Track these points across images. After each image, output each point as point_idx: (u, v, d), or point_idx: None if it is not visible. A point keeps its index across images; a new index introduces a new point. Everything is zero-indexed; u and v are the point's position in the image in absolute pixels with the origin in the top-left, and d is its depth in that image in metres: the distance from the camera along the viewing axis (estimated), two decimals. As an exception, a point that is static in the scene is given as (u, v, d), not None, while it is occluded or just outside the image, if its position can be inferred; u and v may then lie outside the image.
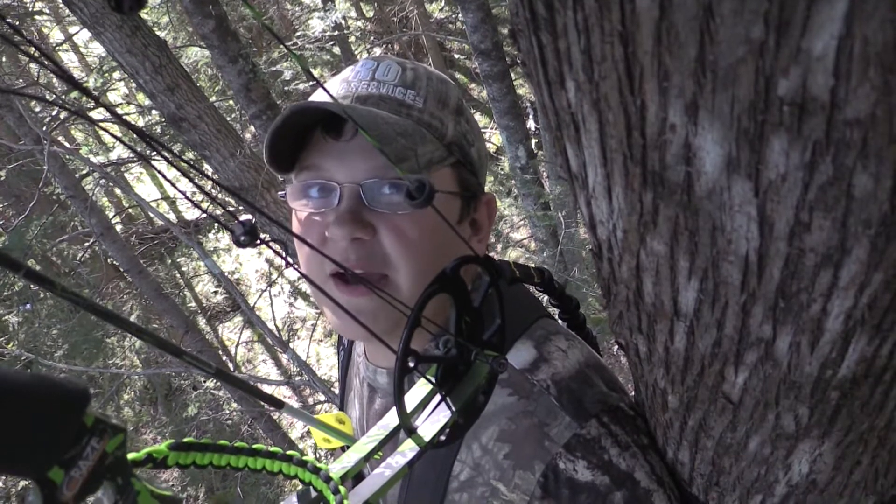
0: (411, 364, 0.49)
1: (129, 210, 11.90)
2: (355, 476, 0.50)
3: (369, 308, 0.76)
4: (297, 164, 0.80)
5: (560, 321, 0.99)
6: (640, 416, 0.77)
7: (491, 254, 0.98)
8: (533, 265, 0.93)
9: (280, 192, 0.84)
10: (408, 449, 0.53)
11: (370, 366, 0.93)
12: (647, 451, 0.74)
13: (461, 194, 0.81)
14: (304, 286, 10.35)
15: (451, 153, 0.79)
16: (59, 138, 9.19)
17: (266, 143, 0.75)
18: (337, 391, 1.16)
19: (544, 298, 1.11)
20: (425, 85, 0.79)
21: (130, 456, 0.37)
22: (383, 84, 0.78)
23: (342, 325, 0.78)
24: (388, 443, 0.54)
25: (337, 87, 0.81)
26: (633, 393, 0.80)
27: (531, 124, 8.70)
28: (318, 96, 0.81)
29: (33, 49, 0.32)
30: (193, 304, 10.86)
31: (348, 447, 0.53)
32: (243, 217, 0.40)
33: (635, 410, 0.78)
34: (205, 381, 7.73)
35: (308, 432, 7.99)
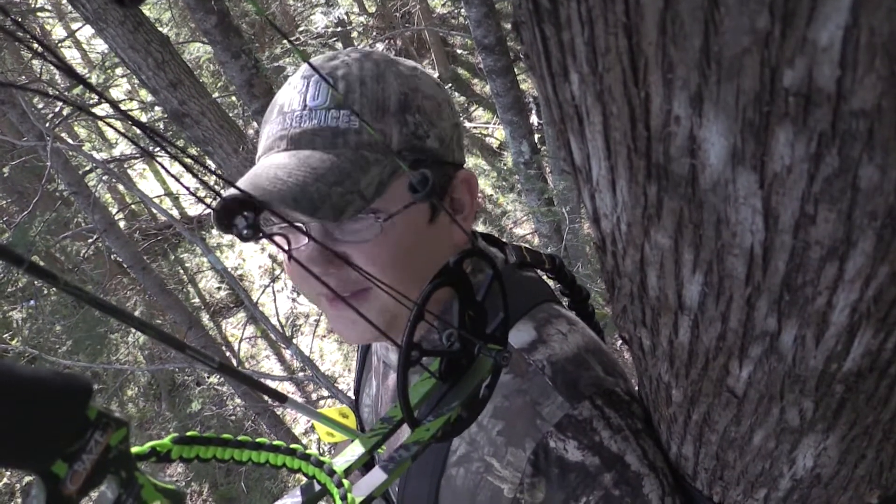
0: (415, 358, 0.49)
1: (133, 206, 11.89)
2: (364, 466, 0.50)
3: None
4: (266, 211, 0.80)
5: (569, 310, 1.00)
6: (635, 401, 0.78)
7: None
8: (545, 253, 0.95)
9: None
10: (411, 442, 0.53)
11: (383, 344, 0.97)
12: (641, 435, 0.74)
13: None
14: (308, 282, 10.33)
15: (403, 159, 0.76)
16: (63, 135, 9.19)
17: (214, 222, 0.74)
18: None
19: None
20: (359, 97, 0.75)
21: (134, 450, 0.37)
22: (315, 112, 0.74)
23: (341, 331, 0.83)
24: (392, 436, 0.54)
25: (276, 121, 0.77)
26: (635, 381, 0.81)
27: (534, 119, 8.67)
28: (263, 137, 0.79)
29: (37, 44, 0.32)
30: (197, 300, 10.88)
31: (352, 441, 0.53)
32: (246, 212, 0.39)
33: (631, 395, 0.79)
34: (209, 377, 7.75)
35: (312, 427, 8.01)
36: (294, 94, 0.77)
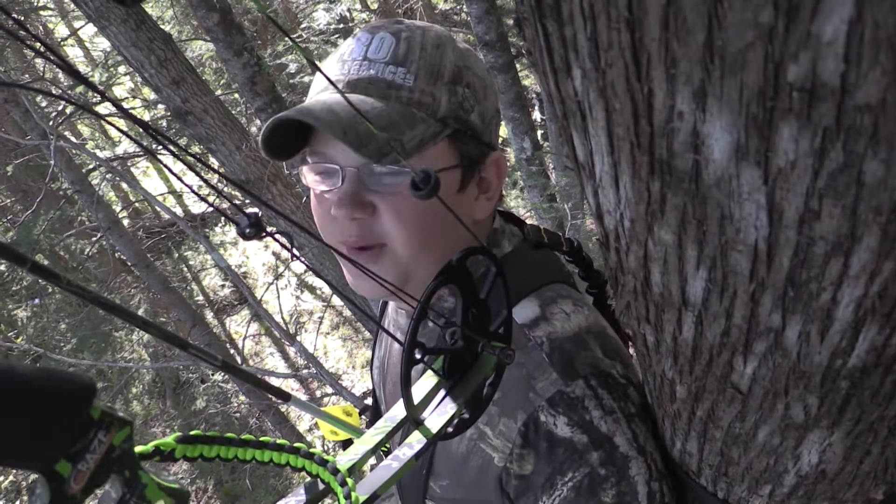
0: (418, 356, 0.49)
1: (136, 204, 11.91)
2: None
3: (375, 272, 0.80)
4: (308, 147, 0.84)
5: (588, 295, 1.03)
6: (632, 386, 0.79)
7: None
8: (564, 236, 0.97)
9: (294, 172, 0.90)
10: (415, 441, 0.53)
11: (393, 306, 1.01)
12: (633, 419, 0.76)
13: (460, 165, 0.82)
14: (311, 279, 10.36)
15: (447, 125, 0.79)
16: (66, 133, 9.20)
17: (261, 145, 0.79)
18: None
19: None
20: (417, 58, 0.78)
21: (138, 449, 0.37)
22: (374, 64, 0.78)
23: (355, 283, 0.84)
24: (396, 434, 0.54)
25: (333, 66, 0.82)
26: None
27: (536, 115, 8.66)
28: (318, 82, 0.85)
29: (39, 44, 0.32)
30: (201, 297, 10.88)
31: (356, 438, 0.53)
32: (249, 210, 0.39)
33: (628, 379, 0.80)
34: (213, 375, 7.77)
35: (316, 425, 8.02)
36: (357, 45, 0.81)
